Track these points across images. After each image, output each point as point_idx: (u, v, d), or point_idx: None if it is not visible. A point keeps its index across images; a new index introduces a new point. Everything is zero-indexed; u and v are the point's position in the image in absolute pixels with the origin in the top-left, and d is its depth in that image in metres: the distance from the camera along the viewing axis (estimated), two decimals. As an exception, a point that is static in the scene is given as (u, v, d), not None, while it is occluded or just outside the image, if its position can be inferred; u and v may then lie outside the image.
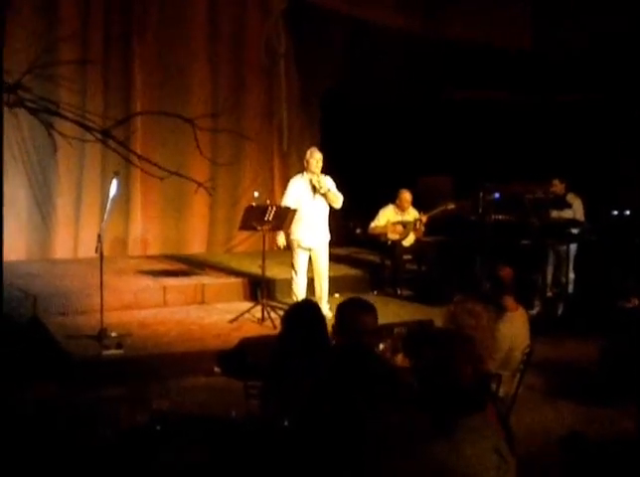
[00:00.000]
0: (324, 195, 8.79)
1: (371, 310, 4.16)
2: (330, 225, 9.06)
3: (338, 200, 8.85)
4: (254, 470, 3.82)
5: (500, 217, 10.21)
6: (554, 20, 11.45)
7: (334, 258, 9.18)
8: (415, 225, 10.36)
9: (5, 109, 5.34)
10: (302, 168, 9.04)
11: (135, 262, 10.86)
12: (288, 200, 8.84)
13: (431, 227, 10.56)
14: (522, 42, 11.69)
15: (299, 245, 8.87)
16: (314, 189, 8.78)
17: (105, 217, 7.96)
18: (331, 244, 9.08)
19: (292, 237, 8.92)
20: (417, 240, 10.49)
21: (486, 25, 11.56)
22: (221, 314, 8.95)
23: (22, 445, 5.11)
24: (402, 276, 10.50)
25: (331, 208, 8.96)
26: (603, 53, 10.99)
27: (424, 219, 10.34)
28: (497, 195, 10.30)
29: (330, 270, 9.12)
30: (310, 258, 8.92)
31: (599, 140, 11.29)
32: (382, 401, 3.84)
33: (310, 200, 8.80)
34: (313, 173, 8.76)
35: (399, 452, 3.01)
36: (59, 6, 10.66)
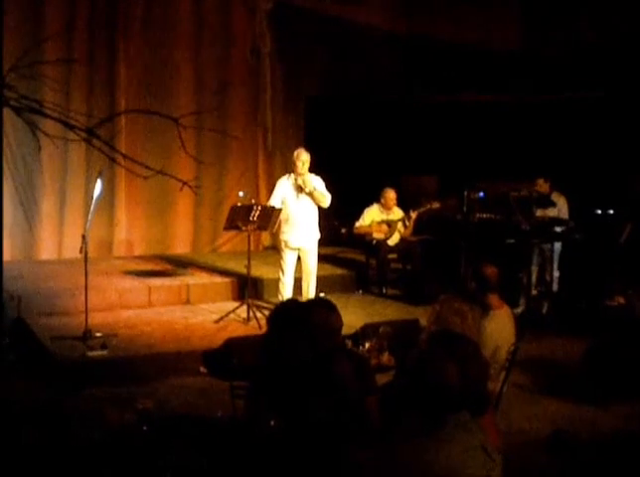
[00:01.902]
0: (310, 194, 8.79)
1: (335, 309, 4.24)
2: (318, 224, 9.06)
3: (325, 199, 8.84)
4: (240, 470, 3.81)
5: (485, 215, 10.21)
6: (543, 19, 11.49)
7: (319, 258, 9.17)
8: (404, 222, 10.38)
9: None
10: (287, 167, 9.03)
11: (120, 263, 10.82)
12: (274, 200, 8.85)
13: (416, 226, 10.57)
14: (511, 42, 11.72)
15: (287, 246, 8.87)
16: (300, 189, 8.78)
17: (90, 217, 7.94)
18: (318, 244, 9.09)
19: (280, 237, 8.93)
20: (402, 240, 10.50)
21: (474, 25, 11.59)
22: (206, 314, 8.95)
23: (8, 446, 5.08)
24: (388, 276, 10.52)
25: (320, 207, 8.96)
26: (595, 52, 11.01)
27: (414, 215, 10.35)
28: (482, 194, 10.30)
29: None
30: (299, 258, 8.93)
31: (584, 139, 11.30)
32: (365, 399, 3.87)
33: (296, 200, 8.80)
34: (300, 174, 8.76)
35: (385, 451, 3.01)
36: (44, 5, 10.60)
